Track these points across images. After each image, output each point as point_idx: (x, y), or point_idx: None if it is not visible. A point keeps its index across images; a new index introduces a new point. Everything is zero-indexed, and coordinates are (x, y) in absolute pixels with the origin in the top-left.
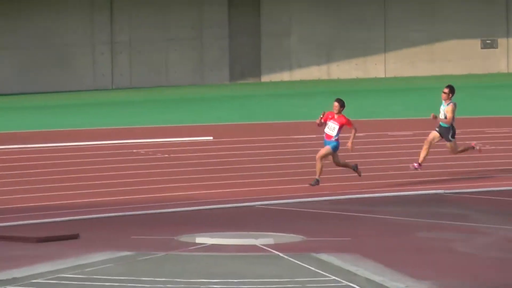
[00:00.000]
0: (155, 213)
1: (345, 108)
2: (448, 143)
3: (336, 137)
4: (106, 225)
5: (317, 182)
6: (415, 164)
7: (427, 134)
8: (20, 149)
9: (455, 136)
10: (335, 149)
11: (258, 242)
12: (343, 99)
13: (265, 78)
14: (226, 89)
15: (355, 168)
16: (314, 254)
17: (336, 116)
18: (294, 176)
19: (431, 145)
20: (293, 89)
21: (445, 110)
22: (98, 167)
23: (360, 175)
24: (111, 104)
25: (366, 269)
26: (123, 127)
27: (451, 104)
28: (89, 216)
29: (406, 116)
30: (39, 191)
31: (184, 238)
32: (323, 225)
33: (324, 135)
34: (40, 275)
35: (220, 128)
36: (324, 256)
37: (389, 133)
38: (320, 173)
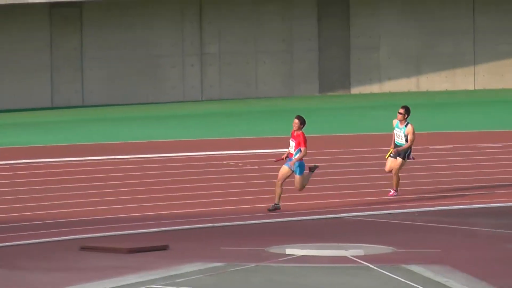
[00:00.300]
0: (245, 224)
1: (305, 126)
2: (399, 162)
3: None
4: (196, 236)
5: (276, 206)
6: (393, 193)
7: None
8: (110, 160)
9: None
10: (302, 170)
11: (348, 253)
12: (303, 116)
13: (354, 90)
14: (316, 101)
15: (312, 169)
16: (404, 266)
17: (295, 134)
18: (383, 188)
19: (398, 171)
20: (382, 101)
21: (406, 132)
22: (188, 178)
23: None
24: (200, 116)
25: (456, 281)
26: (213, 139)
27: (410, 125)
28: (179, 227)
29: (495, 128)
30: (129, 202)
31: (274, 249)
32: (413, 236)
33: (288, 154)
34: (130, 286)
35: (311, 140)
36: (414, 268)
37: (478, 145)
38: (279, 198)
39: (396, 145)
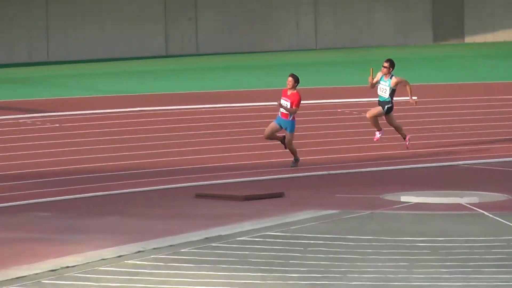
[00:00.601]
0: (360, 172)
1: (299, 84)
2: (377, 110)
3: (292, 116)
4: (311, 183)
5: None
6: (377, 134)
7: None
8: (223, 108)
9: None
10: (293, 128)
11: (463, 200)
12: (297, 75)
13: (468, 39)
14: (429, 50)
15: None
16: None
17: (289, 93)
18: (498, 136)
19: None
20: (496, 50)
21: (391, 83)
22: (302, 126)
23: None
24: (314, 64)
25: None
26: (327, 87)
27: (394, 77)
28: (294, 174)
29: None
30: (243, 150)
31: (389, 197)
32: None
33: (279, 114)
34: (245, 233)
35: (423, 88)
36: None
37: None
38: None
39: (379, 99)
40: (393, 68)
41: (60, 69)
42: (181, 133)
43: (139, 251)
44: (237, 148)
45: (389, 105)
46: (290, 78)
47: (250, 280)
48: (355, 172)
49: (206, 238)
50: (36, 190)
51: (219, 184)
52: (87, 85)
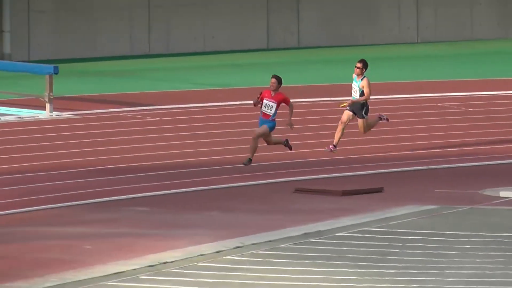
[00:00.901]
0: (459, 167)
1: (281, 85)
2: (360, 121)
3: (274, 117)
4: (410, 178)
5: (249, 161)
6: (331, 146)
7: None
8: (321, 102)
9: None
10: (272, 129)
11: None
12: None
13: None
14: None
15: (286, 143)
16: None
17: (273, 94)
18: None
19: (345, 126)
20: None
21: (360, 85)
22: (400, 120)
23: (291, 149)
24: (415, 58)
25: None
26: (428, 81)
27: (365, 78)
28: (393, 169)
29: None
30: (341, 144)
31: (488, 192)
32: None
33: (260, 114)
34: (344, 228)
35: None
36: None
37: None
38: (254, 153)
39: (352, 99)
40: (365, 69)
41: (160, 62)
42: (281, 127)
43: (237, 247)
44: (340, 143)
45: (365, 108)
46: (274, 80)
47: (347, 276)
48: (454, 167)
49: (305, 233)
50: (136, 185)
51: (317, 179)
52: (188, 78)
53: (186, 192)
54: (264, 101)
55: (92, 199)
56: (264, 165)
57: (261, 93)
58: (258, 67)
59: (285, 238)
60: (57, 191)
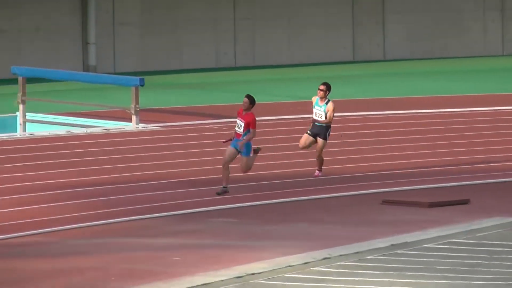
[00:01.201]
0: None
1: (254, 106)
2: (321, 142)
3: (244, 136)
4: (497, 190)
5: (225, 190)
6: (317, 172)
7: None
8: (409, 115)
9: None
10: (248, 150)
11: None
12: (254, 96)
13: None
14: None
15: (256, 151)
16: None
17: (243, 113)
18: None
19: (307, 149)
20: None
21: (326, 109)
22: (486, 132)
23: (256, 152)
24: (501, 71)
25: None
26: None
27: (331, 102)
28: (480, 181)
29: None
30: (427, 156)
31: None
32: None
33: (234, 134)
34: (431, 240)
35: None
36: None
37: None
38: (227, 180)
39: (314, 123)
40: (329, 92)
41: (246, 74)
42: (363, 139)
43: (325, 258)
44: (421, 155)
45: (329, 130)
46: (246, 99)
47: (435, 287)
48: None
49: (392, 245)
50: (222, 196)
51: (405, 191)
52: (274, 91)
53: (274, 203)
54: (237, 119)
55: (178, 210)
56: (351, 177)
57: (232, 138)
58: (344, 79)
59: (372, 249)
60: (142, 202)
